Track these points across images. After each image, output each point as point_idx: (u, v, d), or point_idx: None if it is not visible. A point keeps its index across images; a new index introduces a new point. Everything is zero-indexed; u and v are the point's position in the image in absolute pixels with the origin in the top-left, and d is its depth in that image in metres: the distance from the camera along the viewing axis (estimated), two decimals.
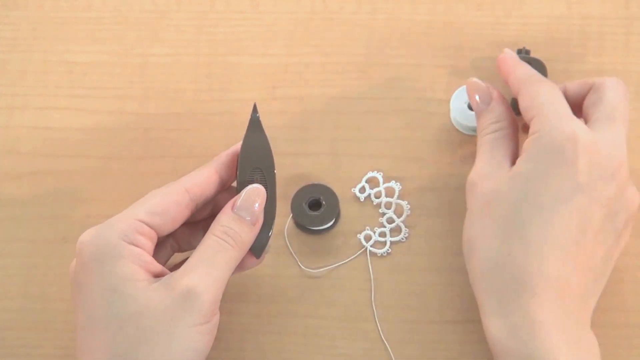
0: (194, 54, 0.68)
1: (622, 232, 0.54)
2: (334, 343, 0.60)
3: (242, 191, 0.54)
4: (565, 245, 0.51)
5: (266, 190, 0.55)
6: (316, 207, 0.62)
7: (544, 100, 0.55)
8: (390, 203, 0.63)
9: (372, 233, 0.62)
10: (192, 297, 0.50)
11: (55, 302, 0.62)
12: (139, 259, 0.51)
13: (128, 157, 0.65)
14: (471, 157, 0.63)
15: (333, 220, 0.62)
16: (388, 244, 0.62)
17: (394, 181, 0.63)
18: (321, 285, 0.61)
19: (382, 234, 0.62)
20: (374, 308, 0.60)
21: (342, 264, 0.61)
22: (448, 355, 0.59)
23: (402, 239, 0.62)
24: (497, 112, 0.58)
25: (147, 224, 0.52)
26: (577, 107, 0.57)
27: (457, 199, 0.62)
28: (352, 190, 0.63)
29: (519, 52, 0.65)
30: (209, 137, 0.65)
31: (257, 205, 0.54)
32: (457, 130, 0.64)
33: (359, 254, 0.61)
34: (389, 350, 0.59)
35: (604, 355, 0.58)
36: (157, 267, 0.52)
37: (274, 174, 0.56)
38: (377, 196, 0.63)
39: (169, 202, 0.53)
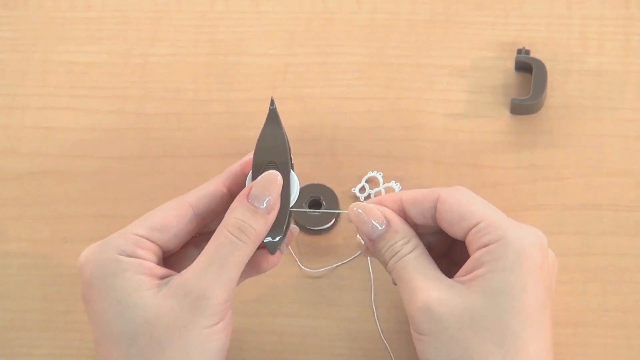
0: (194, 54, 0.68)
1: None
2: (334, 343, 0.60)
3: (257, 178, 0.52)
4: (548, 346, 0.51)
5: None
6: (316, 207, 0.62)
7: (480, 206, 0.52)
8: None
9: None
10: (203, 301, 0.49)
11: (55, 302, 0.62)
12: (141, 267, 0.50)
13: (128, 157, 0.65)
14: (471, 158, 0.63)
15: (333, 220, 0.62)
16: None
17: (393, 181, 0.63)
18: (321, 285, 0.61)
19: None
20: (374, 308, 0.60)
21: (342, 264, 0.61)
22: None
23: None
24: (402, 230, 0.52)
25: (147, 239, 0.51)
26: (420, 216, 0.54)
27: None
28: (352, 190, 0.63)
29: (519, 52, 0.65)
30: (209, 137, 0.65)
31: (273, 192, 0.52)
32: (458, 130, 0.64)
33: (359, 254, 0.61)
34: (389, 350, 0.59)
35: (604, 355, 0.58)
36: (163, 270, 0.51)
37: (290, 166, 0.54)
38: (377, 196, 0.63)
39: (170, 217, 0.52)
